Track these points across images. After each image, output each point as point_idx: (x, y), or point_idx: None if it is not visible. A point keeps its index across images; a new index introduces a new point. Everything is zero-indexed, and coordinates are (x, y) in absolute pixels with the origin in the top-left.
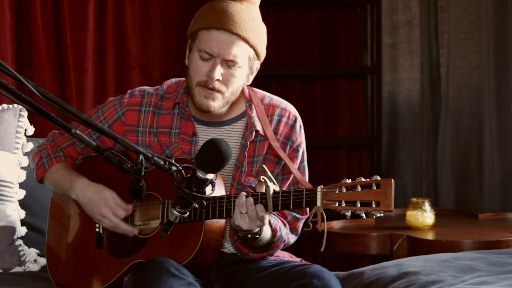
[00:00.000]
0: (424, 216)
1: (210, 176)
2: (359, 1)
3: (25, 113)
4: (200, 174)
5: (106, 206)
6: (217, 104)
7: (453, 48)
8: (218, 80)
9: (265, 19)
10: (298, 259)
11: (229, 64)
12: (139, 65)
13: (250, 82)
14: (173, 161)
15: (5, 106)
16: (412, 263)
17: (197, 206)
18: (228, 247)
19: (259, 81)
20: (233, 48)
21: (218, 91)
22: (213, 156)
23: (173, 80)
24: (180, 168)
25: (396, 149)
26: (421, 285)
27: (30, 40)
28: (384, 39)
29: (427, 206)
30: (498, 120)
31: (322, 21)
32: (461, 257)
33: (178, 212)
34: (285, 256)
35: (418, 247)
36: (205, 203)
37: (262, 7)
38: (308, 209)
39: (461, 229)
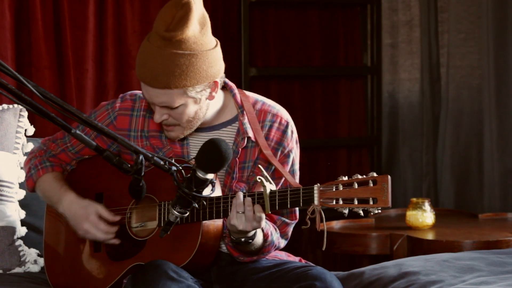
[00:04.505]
0: (424, 216)
1: (210, 176)
2: (359, 1)
3: (25, 113)
4: (200, 174)
5: (88, 221)
6: (179, 132)
7: (453, 48)
8: (165, 119)
9: (265, 19)
10: (296, 258)
11: (165, 107)
12: None
13: (214, 96)
14: (173, 161)
15: (5, 106)
16: (412, 263)
17: (197, 206)
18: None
19: (259, 81)
20: (161, 97)
21: (174, 125)
22: (213, 156)
23: None
24: (180, 168)
25: (396, 149)
26: (421, 285)
27: (30, 40)
28: (384, 39)
29: (427, 206)
30: (498, 120)
31: (322, 21)
32: (461, 257)
33: (178, 212)
34: (283, 255)
35: (418, 247)
36: (205, 203)
37: (262, 7)
38: (297, 214)
39: (461, 229)
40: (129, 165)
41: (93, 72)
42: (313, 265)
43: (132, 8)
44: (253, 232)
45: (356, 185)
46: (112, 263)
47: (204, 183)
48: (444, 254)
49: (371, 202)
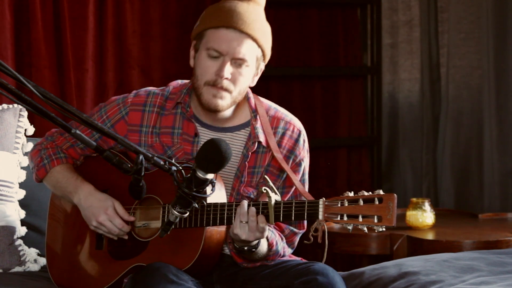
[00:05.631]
0: (424, 216)
1: (210, 176)
2: (359, 1)
3: (25, 113)
4: (200, 174)
5: (105, 214)
6: (225, 103)
7: (453, 48)
8: (227, 78)
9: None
10: (298, 259)
11: (238, 62)
12: (139, 65)
13: (254, 83)
14: (173, 161)
15: (5, 106)
16: (412, 263)
17: (197, 206)
18: (227, 249)
19: (259, 81)
20: (242, 47)
21: (227, 90)
22: (213, 156)
23: (179, 81)
24: (180, 168)
25: (396, 149)
26: (421, 285)
27: (30, 40)
28: (384, 39)
29: (427, 206)
30: (498, 120)
31: (322, 21)
32: (461, 257)
33: (178, 212)
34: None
35: (418, 247)
36: (205, 203)
37: None
38: (305, 223)
39: (461, 229)
40: (129, 165)
41: (93, 72)
42: (315, 261)
43: (132, 8)
44: (256, 241)
45: (361, 202)
46: (113, 261)
47: (204, 183)
48: (444, 254)
49: (375, 220)
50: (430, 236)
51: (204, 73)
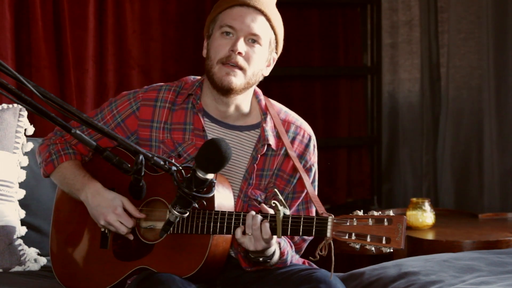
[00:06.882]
0: (424, 216)
1: (210, 176)
2: (359, 1)
3: (25, 113)
4: (200, 174)
5: (114, 213)
6: (238, 81)
7: (453, 48)
8: (240, 54)
9: None
10: (300, 260)
11: (252, 39)
12: (139, 65)
13: (268, 73)
14: (173, 161)
15: (5, 106)
16: (412, 263)
17: (197, 206)
18: (233, 252)
19: (259, 81)
20: (256, 23)
21: (241, 68)
22: (213, 156)
23: (191, 77)
24: (180, 168)
25: (396, 149)
26: (421, 285)
27: (30, 40)
28: (384, 39)
29: (427, 206)
30: (498, 120)
31: (322, 21)
32: (461, 257)
33: (178, 212)
34: None
35: (418, 247)
36: (205, 203)
37: None
38: None
39: (461, 229)
40: (129, 165)
41: (93, 72)
42: (317, 267)
43: (132, 8)
44: (271, 251)
45: (370, 222)
46: (117, 262)
47: (204, 183)
48: (444, 254)
49: (384, 241)
50: (430, 236)
51: (217, 52)
